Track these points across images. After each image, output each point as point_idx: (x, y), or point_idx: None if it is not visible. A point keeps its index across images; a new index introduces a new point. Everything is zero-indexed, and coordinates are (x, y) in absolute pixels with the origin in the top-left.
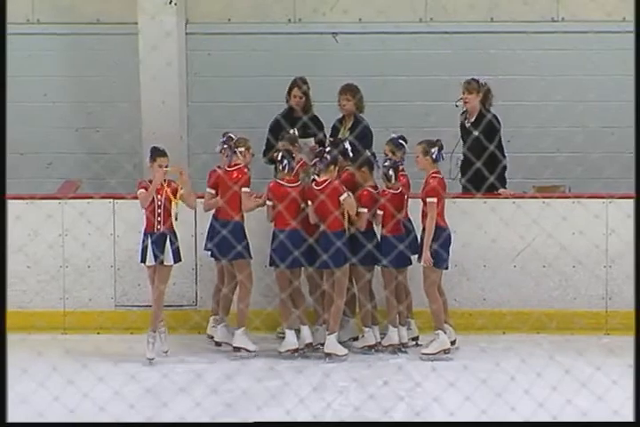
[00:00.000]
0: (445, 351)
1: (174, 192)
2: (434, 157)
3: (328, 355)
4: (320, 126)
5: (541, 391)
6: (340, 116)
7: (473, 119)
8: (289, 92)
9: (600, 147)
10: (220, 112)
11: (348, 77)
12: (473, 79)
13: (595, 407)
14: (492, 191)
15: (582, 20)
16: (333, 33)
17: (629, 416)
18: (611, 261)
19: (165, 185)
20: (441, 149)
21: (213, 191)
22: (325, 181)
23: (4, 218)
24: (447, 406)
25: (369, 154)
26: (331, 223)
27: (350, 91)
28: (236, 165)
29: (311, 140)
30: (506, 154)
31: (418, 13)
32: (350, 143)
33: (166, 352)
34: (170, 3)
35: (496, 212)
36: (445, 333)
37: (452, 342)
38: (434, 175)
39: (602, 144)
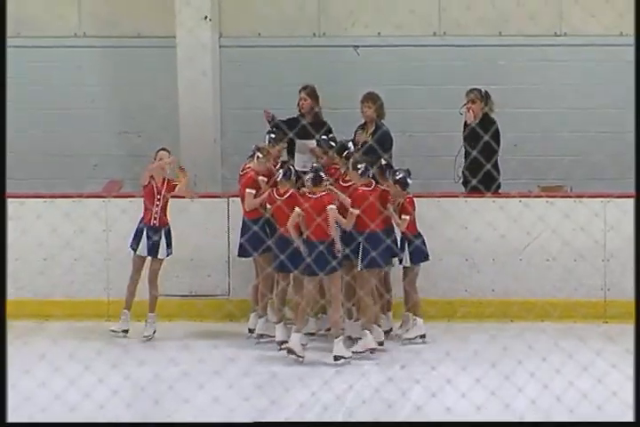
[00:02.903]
0: (372, 351)
1: (172, 189)
2: (359, 172)
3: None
4: (328, 131)
5: (546, 375)
6: (362, 122)
7: (476, 122)
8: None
9: (600, 150)
10: (251, 118)
11: (368, 87)
12: (474, 89)
13: (595, 390)
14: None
15: (583, 34)
16: (355, 46)
17: (627, 397)
18: (609, 255)
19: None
20: (368, 168)
21: (254, 191)
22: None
23: (4, 218)
24: (459, 388)
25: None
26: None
27: (371, 99)
28: (244, 168)
29: (313, 142)
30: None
31: (432, 28)
32: (370, 147)
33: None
34: (205, 18)
35: (504, 210)
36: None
37: (387, 332)
38: (358, 188)
39: (601, 148)
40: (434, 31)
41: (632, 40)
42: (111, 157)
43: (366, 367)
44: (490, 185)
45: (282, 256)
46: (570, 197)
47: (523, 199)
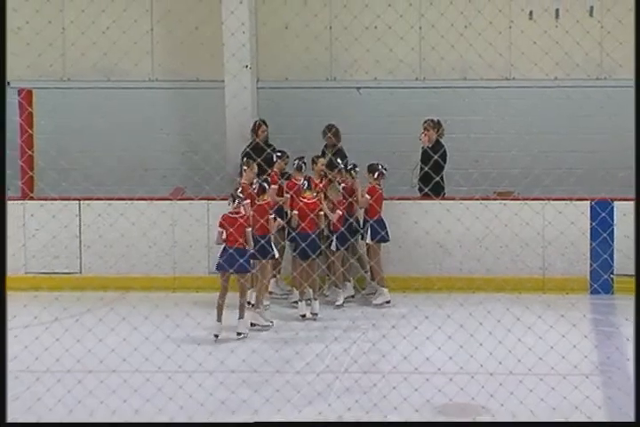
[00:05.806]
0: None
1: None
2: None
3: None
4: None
5: (500, 333)
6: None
7: (430, 145)
8: (256, 131)
9: (540, 165)
10: (282, 143)
11: (367, 119)
12: (429, 119)
13: (537, 344)
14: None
15: (528, 78)
16: (357, 88)
17: (563, 350)
18: (547, 243)
19: None
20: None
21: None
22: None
23: (3, 218)
24: (436, 343)
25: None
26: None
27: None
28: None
29: None
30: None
31: (415, 74)
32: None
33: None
34: (246, 67)
35: (469, 209)
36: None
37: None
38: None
39: (541, 163)
40: (416, 76)
41: (565, 83)
42: (176, 170)
43: (365, 327)
44: (438, 192)
45: (303, 244)
46: (518, 199)
47: (483, 201)
